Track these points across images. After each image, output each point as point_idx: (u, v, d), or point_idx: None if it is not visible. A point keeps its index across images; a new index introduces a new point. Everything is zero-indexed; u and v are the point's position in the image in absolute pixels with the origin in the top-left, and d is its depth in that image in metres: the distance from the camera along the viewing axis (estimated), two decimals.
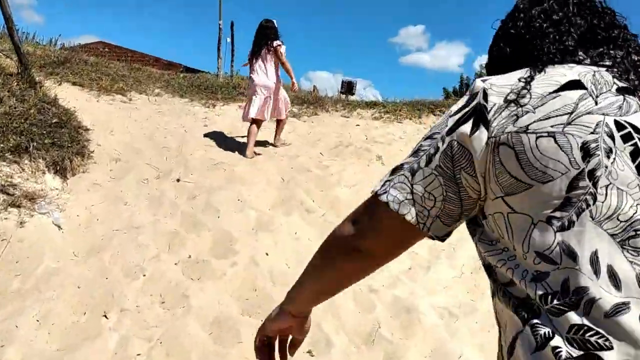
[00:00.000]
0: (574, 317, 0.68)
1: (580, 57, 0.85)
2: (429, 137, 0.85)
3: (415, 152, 0.85)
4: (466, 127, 0.79)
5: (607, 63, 0.82)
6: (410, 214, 0.82)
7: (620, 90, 0.77)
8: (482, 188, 0.80)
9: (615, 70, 0.81)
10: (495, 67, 0.98)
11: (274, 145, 6.75)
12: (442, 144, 0.82)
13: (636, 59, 0.85)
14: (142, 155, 5.61)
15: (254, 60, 6.50)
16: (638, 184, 0.70)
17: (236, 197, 4.82)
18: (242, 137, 6.89)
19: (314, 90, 25.72)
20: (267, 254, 3.84)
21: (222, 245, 3.87)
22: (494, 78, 0.84)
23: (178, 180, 5.07)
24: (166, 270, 3.43)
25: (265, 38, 6.39)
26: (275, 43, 6.36)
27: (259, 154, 6.28)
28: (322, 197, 5.10)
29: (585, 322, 0.67)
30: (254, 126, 6.38)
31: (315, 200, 4.99)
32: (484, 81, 0.83)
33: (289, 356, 1.14)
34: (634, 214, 0.69)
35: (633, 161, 0.71)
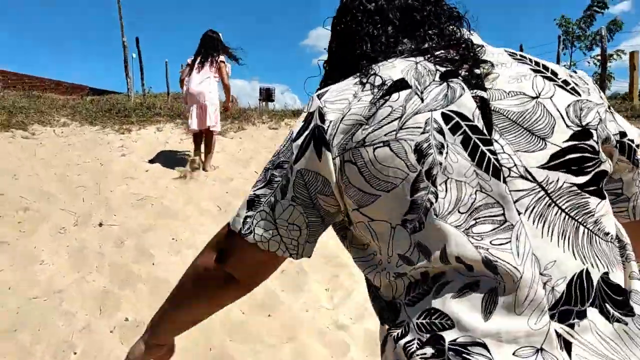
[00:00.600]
0: (424, 305, 0.72)
1: (403, 46, 0.85)
2: (278, 165, 0.85)
3: (269, 182, 0.85)
4: (310, 154, 0.79)
5: (426, 46, 0.83)
6: (281, 250, 0.84)
7: (443, 77, 0.77)
8: (340, 203, 0.82)
9: (436, 53, 0.80)
10: (332, 64, 0.97)
11: (203, 169, 6.25)
12: (292, 175, 0.82)
13: (451, 29, 0.85)
14: (55, 199, 4.94)
15: (194, 69, 6.11)
16: (474, 171, 0.71)
17: (170, 237, 4.32)
18: (165, 163, 6.33)
19: (232, 101, 25.15)
20: None
21: (163, 299, 3.38)
22: (327, 92, 0.83)
23: (100, 224, 4.49)
24: (101, 342, 2.91)
25: (213, 49, 6.13)
26: (220, 58, 6.13)
27: (184, 177, 5.81)
28: None
29: (434, 305, 0.70)
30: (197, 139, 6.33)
31: None
32: (319, 97, 0.82)
33: None
34: (473, 202, 0.70)
35: (465, 149, 0.71)
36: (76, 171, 5.83)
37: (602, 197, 0.75)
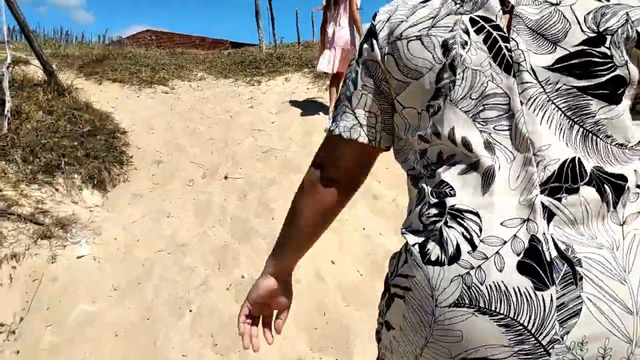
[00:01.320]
0: (439, 177, 0.81)
1: None
2: (349, 65, 0.97)
3: (344, 82, 0.97)
4: (367, 46, 0.92)
5: None
6: (362, 136, 0.93)
7: None
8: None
9: None
10: None
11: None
12: (359, 67, 0.93)
13: None
14: (186, 152, 5.04)
15: (330, 10, 5.60)
16: (489, 62, 0.78)
17: (292, 191, 4.15)
18: (291, 114, 6.19)
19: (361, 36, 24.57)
20: (332, 262, 3.17)
21: None
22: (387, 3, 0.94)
23: (226, 177, 4.47)
24: (216, 300, 2.83)
25: None
26: None
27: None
28: (389, 176, 4.32)
29: (443, 178, 0.80)
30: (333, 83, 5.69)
31: (382, 181, 4.23)
32: (381, 7, 0.94)
33: (275, 335, 1.12)
34: (484, 89, 0.78)
35: (485, 44, 0.78)
36: (207, 124, 5.92)
37: (614, 102, 0.75)
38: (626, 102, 0.77)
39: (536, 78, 0.76)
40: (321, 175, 0.97)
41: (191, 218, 3.80)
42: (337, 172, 0.97)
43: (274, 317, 1.11)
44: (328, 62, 5.61)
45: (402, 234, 0.85)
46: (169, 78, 8.09)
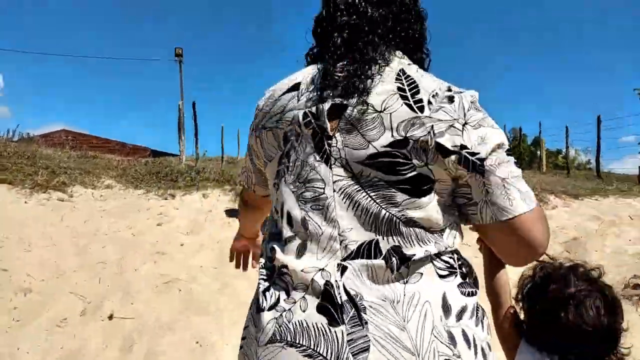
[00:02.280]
0: (271, 244, 0.97)
1: (334, 54, 1.00)
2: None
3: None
4: (250, 131, 1.11)
5: (336, 57, 0.98)
6: (246, 185, 1.28)
7: (323, 84, 0.94)
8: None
9: (337, 64, 0.96)
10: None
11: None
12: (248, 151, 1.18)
13: (377, 51, 0.97)
14: (67, 278, 4.00)
15: None
16: (314, 154, 0.92)
17: (193, 340, 3.23)
18: (204, 236, 5.36)
19: None
20: None
21: None
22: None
23: (111, 317, 3.46)
24: None
25: None
26: None
27: None
28: None
29: (271, 245, 0.97)
30: None
31: None
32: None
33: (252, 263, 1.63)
34: (307, 175, 0.92)
35: (313, 140, 0.92)
36: (102, 242, 4.92)
37: (417, 195, 0.88)
38: (433, 196, 0.90)
39: (351, 171, 0.89)
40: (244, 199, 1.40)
41: None
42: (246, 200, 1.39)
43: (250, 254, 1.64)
44: None
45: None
46: (70, 184, 7.05)
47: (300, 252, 0.90)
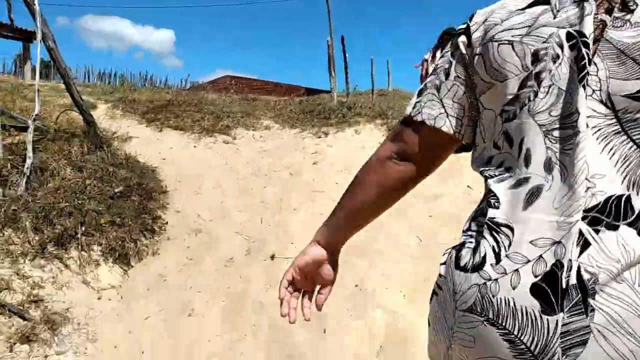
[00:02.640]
0: (489, 186, 0.79)
1: None
2: (442, 56, 0.91)
3: (434, 71, 0.91)
4: (461, 43, 0.86)
5: None
6: (446, 126, 0.87)
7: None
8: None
9: None
10: None
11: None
12: (453, 58, 0.88)
13: None
14: (232, 218, 4.13)
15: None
16: (574, 84, 0.72)
17: (353, 283, 3.10)
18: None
19: None
20: None
21: None
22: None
23: (272, 257, 3.49)
24: None
25: None
26: None
27: None
28: None
29: (492, 188, 0.77)
30: None
31: None
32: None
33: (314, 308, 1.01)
34: (565, 109, 0.72)
35: (576, 64, 0.72)
36: (263, 182, 5.01)
37: None
38: None
39: (612, 107, 0.71)
40: (394, 154, 0.91)
41: (217, 321, 2.82)
42: (411, 155, 0.90)
43: (315, 292, 1.02)
44: None
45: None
46: (233, 126, 7.37)
47: (531, 200, 0.73)
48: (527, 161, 0.75)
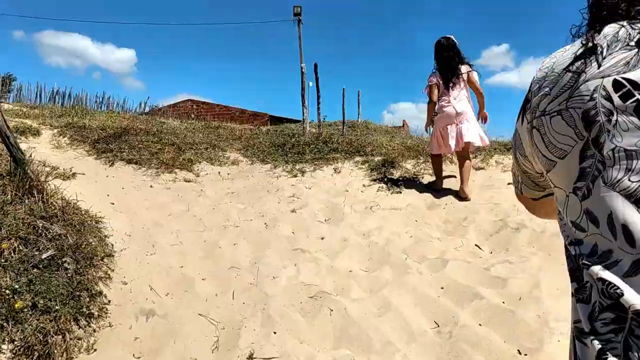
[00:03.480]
0: (597, 274, 0.64)
1: (632, 8, 0.70)
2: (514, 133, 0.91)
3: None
4: (518, 119, 0.82)
5: None
6: (517, 189, 0.99)
7: (639, 42, 0.65)
8: (534, 165, 0.82)
9: None
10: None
11: (461, 196, 4.95)
12: (514, 144, 0.87)
13: None
14: (195, 292, 3.16)
15: (448, 88, 5.06)
16: None
17: None
18: (345, 224, 4.31)
19: (403, 125, 23.07)
20: None
21: None
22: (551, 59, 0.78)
23: (250, 357, 2.54)
24: None
25: (457, 61, 5.05)
26: (464, 68, 5.06)
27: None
28: None
29: (604, 277, 0.63)
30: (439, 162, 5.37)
31: None
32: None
33: None
34: None
35: (638, 114, 0.62)
36: (233, 236, 4.06)
37: None
38: None
39: None
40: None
41: None
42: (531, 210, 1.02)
43: None
44: (456, 141, 5.01)
45: (575, 332, 0.68)
46: (196, 160, 6.40)
47: None
48: (630, 239, 0.61)
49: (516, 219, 4.18)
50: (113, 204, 4.47)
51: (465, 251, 3.77)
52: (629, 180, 0.62)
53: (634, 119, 0.62)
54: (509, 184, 5.21)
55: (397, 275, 3.42)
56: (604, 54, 0.66)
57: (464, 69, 5.03)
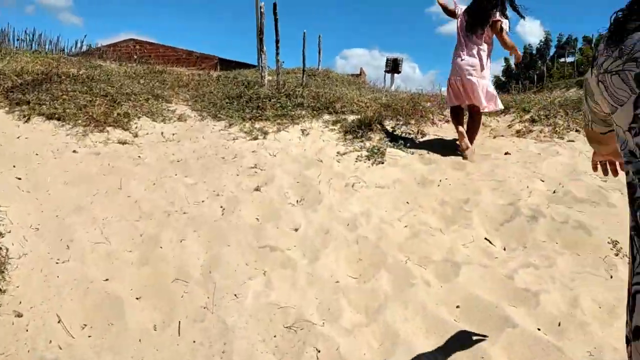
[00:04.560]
0: None
1: None
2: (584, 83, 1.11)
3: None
4: (589, 71, 1.01)
5: None
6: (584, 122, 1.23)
7: None
8: (602, 109, 1.02)
9: None
10: None
11: (462, 155, 4.31)
12: (586, 87, 1.08)
13: None
14: (124, 326, 2.16)
15: (464, 37, 4.41)
16: None
17: None
18: (325, 205, 3.38)
19: (360, 74, 21.93)
20: None
21: None
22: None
23: None
24: None
25: (490, 7, 4.24)
26: (497, 16, 4.26)
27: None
28: None
29: None
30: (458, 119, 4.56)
31: None
32: None
33: None
34: None
35: None
36: (179, 228, 3.04)
37: None
38: None
39: None
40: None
41: None
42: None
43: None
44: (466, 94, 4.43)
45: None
46: (134, 115, 5.18)
47: None
48: None
49: (529, 202, 3.39)
50: (19, 179, 3.31)
51: (477, 249, 2.94)
52: None
53: None
54: (506, 153, 4.41)
55: (399, 287, 2.55)
56: None
57: (496, 16, 4.27)
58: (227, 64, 18.27)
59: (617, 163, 1.40)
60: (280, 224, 3.14)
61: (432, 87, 19.79)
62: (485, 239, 3.09)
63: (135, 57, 15.11)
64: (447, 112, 5.74)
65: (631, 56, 0.84)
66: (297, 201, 3.51)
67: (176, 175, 3.82)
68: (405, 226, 3.20)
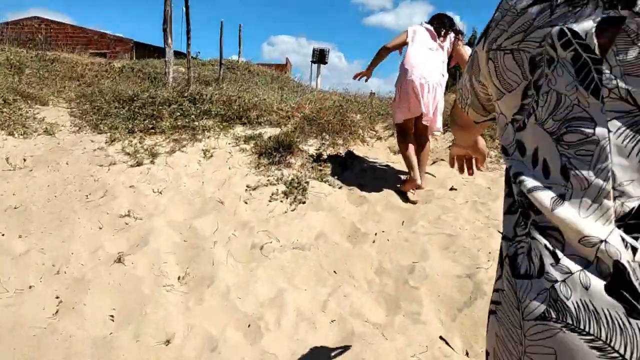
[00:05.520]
0: (519, 187, 0.68)
1: None
2: (470, 57, 0.89)
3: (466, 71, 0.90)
4: (479, 42, 0.78)
5: None
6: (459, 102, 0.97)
7: None
8: (488, 90, 0.81)
9: None
10: None
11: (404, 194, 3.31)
12: (472, 55, 0.84)
13: None
14: None
15: (421, 40, 3.45)
16: (575, 86, 0.62)
17: None
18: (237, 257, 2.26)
19: (286, 64, 20.63)
20: None
21: None
22: None
23: None
24: None
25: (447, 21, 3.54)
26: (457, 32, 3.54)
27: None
28: None
29: (524, 190, 0.67)
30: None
31: None
32: None
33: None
34: (568, 113, 0.63)
35: (574, 65, 0.62)
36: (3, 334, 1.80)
37: None
38: None
39: (635, 103, 0.58)
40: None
41: None
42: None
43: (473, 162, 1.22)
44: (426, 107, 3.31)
45: (502, 238, 0.72)
46: None
47: (555, 206, 0.62)
48: (545, 170, 0.65)
49: (490, 274, 2.46)
50: None
51: None
52: (552, 119, 0.63)
53: (570, 67, 0.61)
54: (451, 189, 3.48)
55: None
56: (557, 2, 0.64)
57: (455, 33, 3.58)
58: (143, 49, 16.28)
59: (474, 159, 1.21)
60: (143, 330, 1.97)
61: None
62: (441, 337, 2.12)
63: (41, 37, 12.88)
64: (378, 127, 4.75)
65: (530, 32, 0.66)
66: (178, 279, 2.34)
67: (3, 235, 2.51)
68: (333, 321, 2.15)
